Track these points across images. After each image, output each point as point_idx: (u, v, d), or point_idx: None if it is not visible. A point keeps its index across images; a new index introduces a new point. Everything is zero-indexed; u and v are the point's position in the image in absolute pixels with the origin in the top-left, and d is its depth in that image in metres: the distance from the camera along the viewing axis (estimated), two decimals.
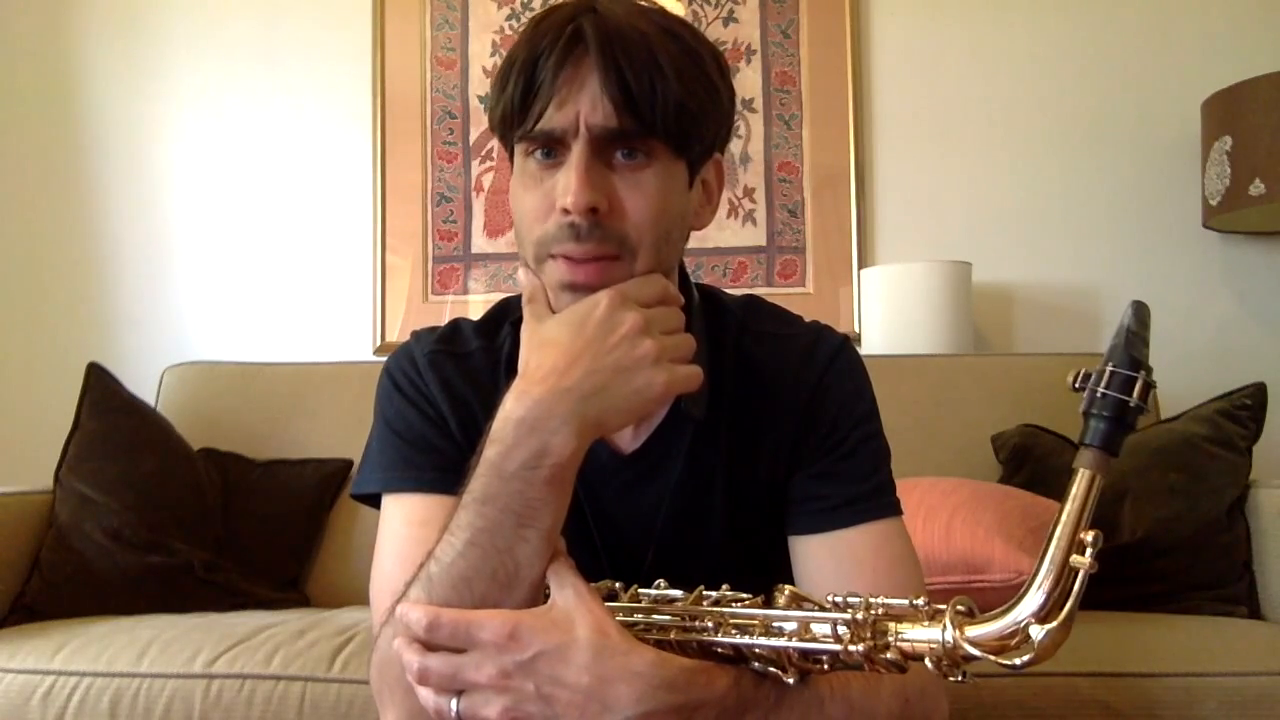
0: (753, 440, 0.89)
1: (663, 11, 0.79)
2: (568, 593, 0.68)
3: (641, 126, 0.75)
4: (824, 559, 0.85)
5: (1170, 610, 1.57)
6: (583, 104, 0.75)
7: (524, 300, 0.81)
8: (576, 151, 0.76)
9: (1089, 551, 0.54)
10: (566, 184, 0.75)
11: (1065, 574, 0.55)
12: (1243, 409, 1.71)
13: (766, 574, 0.87)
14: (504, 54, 0.81)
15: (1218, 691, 1.28)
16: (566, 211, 0.76)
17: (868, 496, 0.86)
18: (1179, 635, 1.42)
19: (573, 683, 0.63)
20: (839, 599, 0.62)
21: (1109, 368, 0.56)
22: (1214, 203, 2.11)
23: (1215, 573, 1.60)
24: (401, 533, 0.84)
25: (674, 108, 0.76)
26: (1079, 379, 0.57)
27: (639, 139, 0.77)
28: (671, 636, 0.64)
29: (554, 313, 0.81)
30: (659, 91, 0.75)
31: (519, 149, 0.80)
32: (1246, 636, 1.42)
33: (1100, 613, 1.53)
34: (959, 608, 0.59)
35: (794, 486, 0.88)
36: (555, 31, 0.75)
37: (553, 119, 0.75)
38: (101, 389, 1.89)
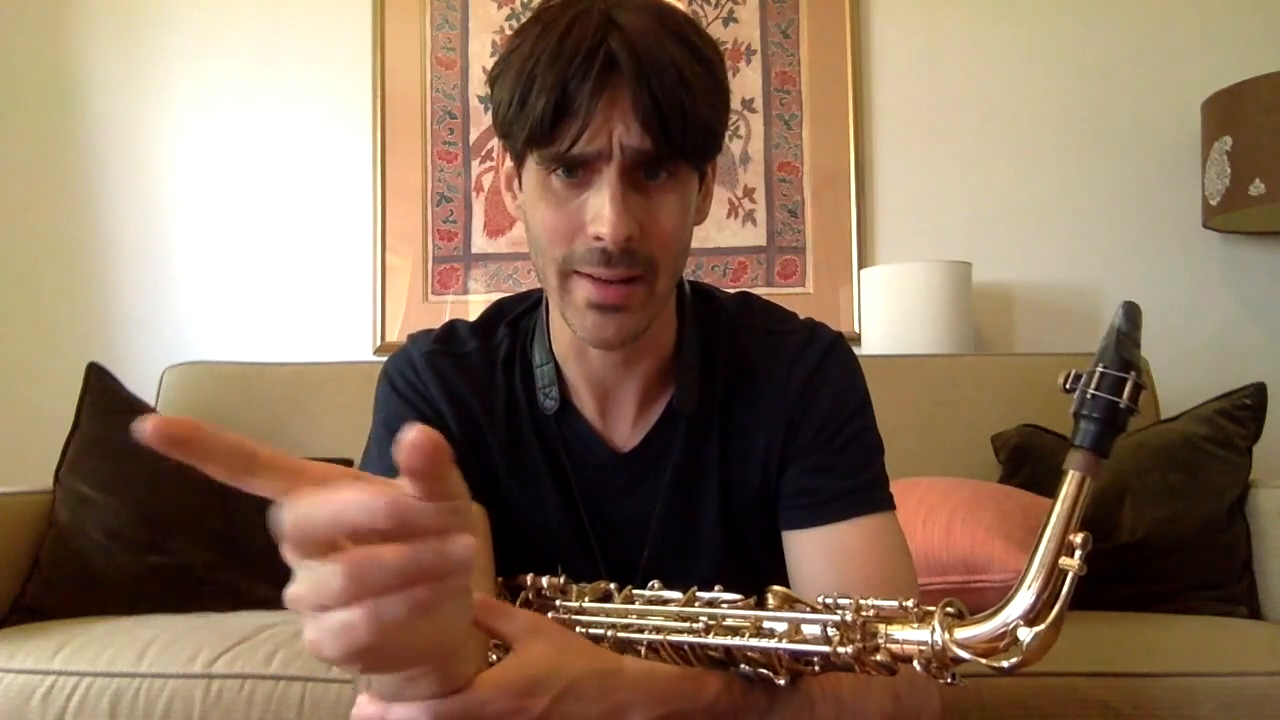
0: (746, 436, 0.90)
1: (675, 16, 0.78)
2: (543, 630, 0.64)
3: (673, 149, 0.76)
4: (817, 553, 0.85)
5: (1170, 610, 1.57)
6: (616, 128, 0.74)
7: None
8: (610, 178, 0.75)
9: (1078, 554, 0.54)
10: (600, 212, 0.76)
11: (1054, 576, 0.55)
12: (1243, 409, 1.71)
13: (760, 571, 0.87)
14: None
15: (1218, 691, 1.28)
16: (599, 238, 0.76)
17: (860, 490, 0.87)
18: (1179, 635, 1.42)
19: (582, 716, 0.61)
20: (829, 600, 0.62)
21: (1099, 369, 0.55)
22: (1214, 203, 2.11)
23: (1215, 573, 1.60)
24: None
25: (702, 127, 0.76)
26: (1069, 380, 0.56)
27: (666, 160, 0.77)
28: (663, 639, 0.64)
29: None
30: (689, 113, 0.75)
31: (536, 164, 0.79)
32: (1246, 636, 1.42)
33: (1100, 613, 1.53)
34: (948, 610, 0.58)
35: (787, 482, 0.88)
36: (585, 53, 0.73)
37: (586, 144, 0.75)
38: (101, 389, 1.89)
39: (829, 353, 0.90)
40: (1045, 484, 1.71)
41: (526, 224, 0.84)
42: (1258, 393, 1.73)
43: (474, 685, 0.58)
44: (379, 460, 0.90)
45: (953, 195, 2.38)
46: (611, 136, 0.74)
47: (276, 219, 2.53)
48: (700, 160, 0.81)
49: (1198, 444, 1.67)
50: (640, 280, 0.79)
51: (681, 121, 0.74)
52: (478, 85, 2.47)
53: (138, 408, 1.92)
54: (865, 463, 0.89)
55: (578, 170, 0.77)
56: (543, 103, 0.74)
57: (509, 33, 2.43)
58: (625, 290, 0.78)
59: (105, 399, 1.88)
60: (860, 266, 2.35)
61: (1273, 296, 2.29)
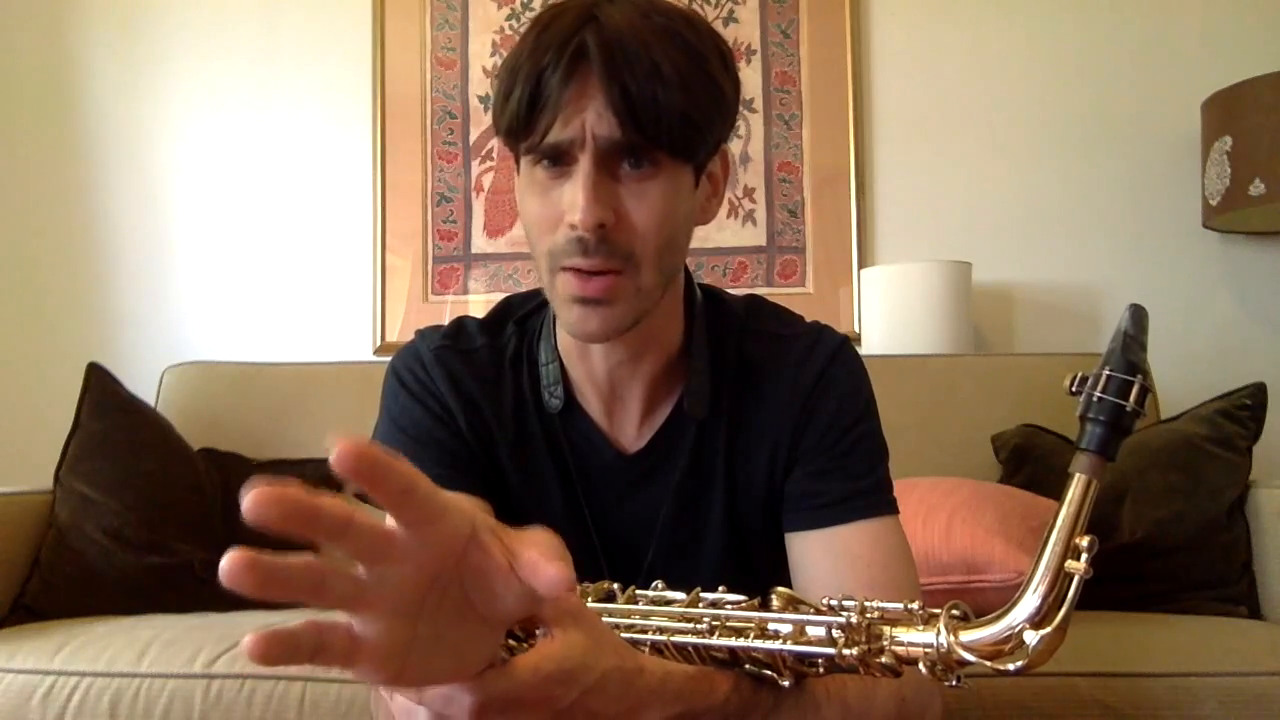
0: (752, 439, 0.90)
1: (665, 10, 0.78)
2: (582, 618, 0.61)
3: (646, 138, 0.76)
4: (820, 555, 0.85)
5: (1170, 610, 1.57)
6: (588, 117, 0.75)
7: None
8: (583, 166, 0.76)
9: (1084, 556, 0.54)
10: (574, 199, 0.76)
11: (1060, 579, 0.55)
12: (1243, 409, 1.71)
13: (764, 573, 0.87)
14: (504, 54, 0.81)
15: (1218, 691, 1.28)
16: (574, 226, 0.76)
17: (864, 494, 0.87)
18: (1179, 635, 1.42)
19: (601, 713, 0.60)
20: (834, 602, 0.62)
21: (1105, 372, 0.55)
22: (1214, 203, 2.11)
23: (1215, 573, 1.60)
24: None
25: (678, 117, 0.76)
26: (1075, 383, 0.57)
27: (644, 150, 0.77)
28: (668, 639, 0.64)
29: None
30: (662, 102, 0.75)
31: (525, 157, 0.81)
32: (1246, 636, 1.43)
33: (1100, 613, 1.53)
34: (953, 612, 0.58)
35: (791, 484, 0.89)
36: (559, 45, 0.75)
37: (559, 133, 0.76)
38: (101, 389, 1.89)
39: (835, 357, 0.90)
40: (1045, 484, 1.72)
41: (521, 218, 0.85)
42: (1258, 393, 1.73)
43: (513, 668, 0.55)
44: None
45: (953, 195, 2.38)
46: (584, 125, 0.75)
47: (276, 219, 2.53)
48: (683, 152, 0.79)
49: (1198, 444, 1.67)
50: (622, 274, 0.79)
51: (653, 110, 0.74)
52: (478, 85, 2.47)
53: (138, 408, 1.92)
54: (869, 467, 0.89)
55: (559, 161, 0.78)
56: (518, 94, 0.76)
57: (509, 33, 2.43)
58: (606, 283, 0.78)
59: (105, 399, 1.88)
60: (860, 266, 2.35)
61: (1273, 296, 2.29)
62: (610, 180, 0.77)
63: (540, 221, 0.80)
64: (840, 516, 0.85)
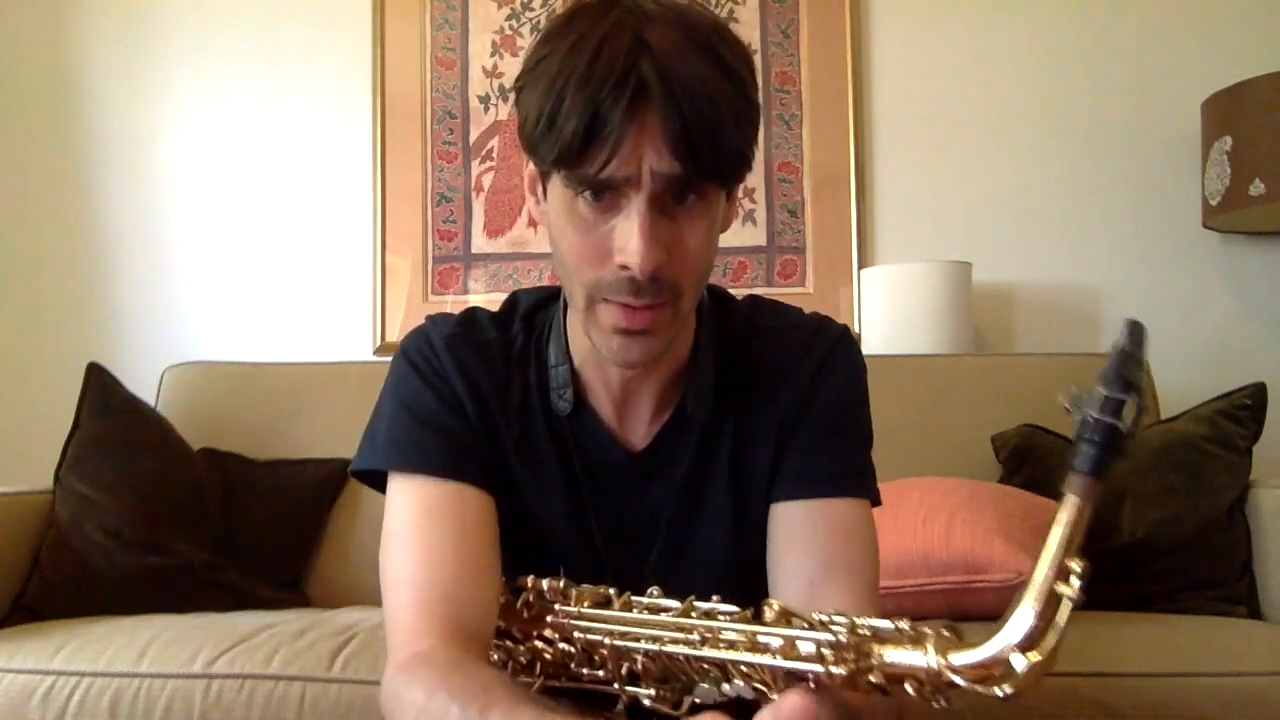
0: (756, 435, 0.91)
1: (700, 25, 0.77)
2: None
3: (703, 174, 0.75)
4: (792, 526, 0.87)
5: (1170, 610, 1.57)
6: (646, 155, 0.73)
7: None
8: (639, 207, 0.75)
9: (1075, 580, 0.53)
10: (628, 241, 0.75)
11: (1051, 601, 0.54)
12: (1243, 409, 1.71)
13: (767, 573, 0.87)
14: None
15: (1218, 691, 1.28)
16: (626, 267, 0.75)
17: (846, 475, 0.88)
18: (1179, 635, 1.42)
19: None
20: (824, 617, 0.61)
21: (1101, 391, 0.55)
22: (1214, 203, 2.11)
23: (1215, 573, 1.60)
24: (410, 520, 0.85)
25: (732, 152, 0.76)
26: (1071, 401, 0.56)
27: (697, 184, 0.76)
28: (660, 649, 0.64)
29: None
30: (718, 138, 0.74)
31: (564, 183, 0.78)
32: (1246, 636, 1.43)
33: (1100, 612, 1.53)
34: (943, 632, 0.58)
35: (781, 461, 0.90)
36: (617, 78, 0.72)
37: (615, 169, 0.73)
38: (101, 389, 1.89)
39: (835, 346, 0.92)
40: (1045, 484, 1.72)
41: (552, 238, 0.83)
42: (1258, 393, 1.73)
43: None
44: (389, 435, 0.89)
45: (953, 195, 2.37)
46: (641, 163, 0.73)
47: (276, 219, 2.53)
48: (731, 182, 0.80)
49: (1198, 444, 1.67)
50: (666, 305, 0.79)
51: (711, 145, 0.73)
52: (478, 85, 2.47)
53: (138, 408, 1.92)
54: (854, 450, 0.90)
55: (605, 194, 0.76)
56: (572, 125, 0.73)
57: (509, 33, 2.42)
58: (652, 315, 0.78)
59: (105, 399, 1.88)
60: (860, 266, 2.35)
61: (1273, 296, 2.29)
62: (662, 218, 0.76)
63: (581, 253, 0.78)
64: (818, 491, 0.87)
